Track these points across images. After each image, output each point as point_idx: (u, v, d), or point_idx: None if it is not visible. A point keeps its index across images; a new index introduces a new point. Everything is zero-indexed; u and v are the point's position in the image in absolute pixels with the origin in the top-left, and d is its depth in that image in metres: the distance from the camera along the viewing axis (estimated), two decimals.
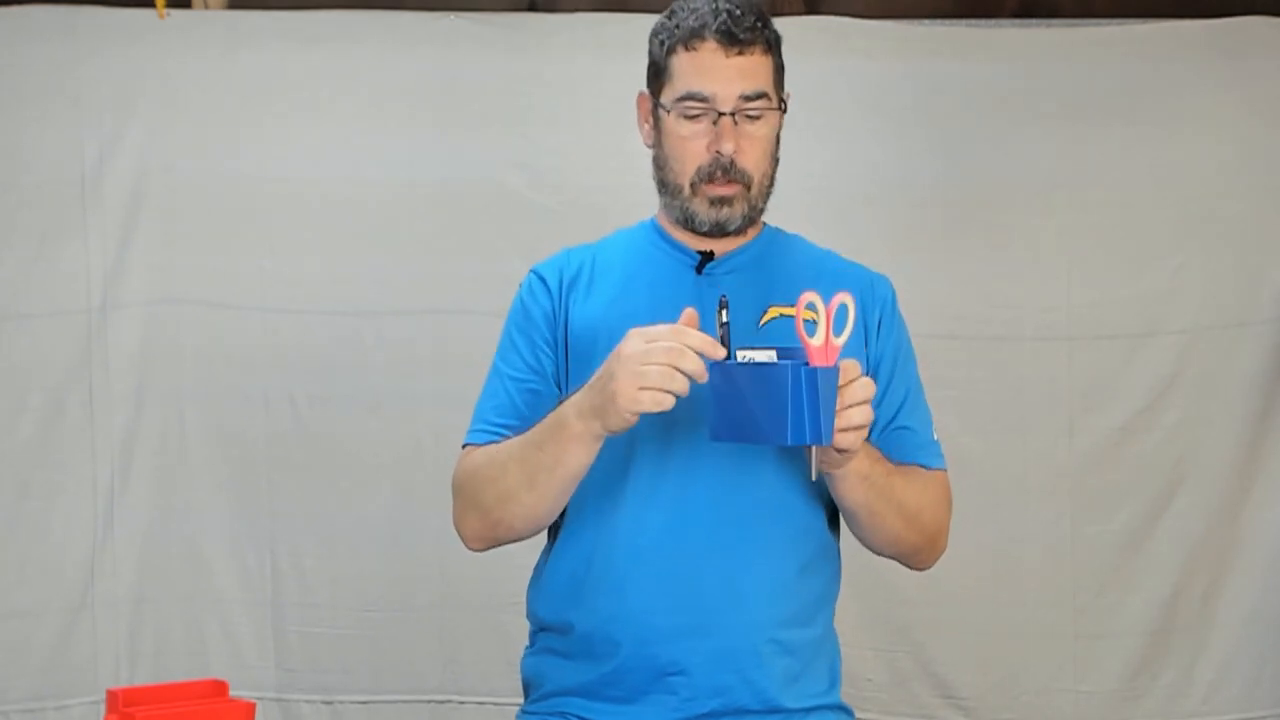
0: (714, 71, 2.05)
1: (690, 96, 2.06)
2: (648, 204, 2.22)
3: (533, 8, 3.98)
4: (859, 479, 1.98)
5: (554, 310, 2.14)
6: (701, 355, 1.85)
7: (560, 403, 2.03)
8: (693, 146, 2.07)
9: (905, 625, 3.63)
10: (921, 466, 2.14)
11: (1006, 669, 3.64)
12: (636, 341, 1.86)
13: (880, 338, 2.16)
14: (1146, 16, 3.75)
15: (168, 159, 3.58)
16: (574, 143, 3.61)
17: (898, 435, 2.14)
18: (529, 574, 2.22)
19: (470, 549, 2.15)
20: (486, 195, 3.61)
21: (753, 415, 1.82)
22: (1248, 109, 3.64)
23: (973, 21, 3.80)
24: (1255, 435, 3.63)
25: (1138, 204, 3.64)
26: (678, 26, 2.08)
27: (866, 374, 2.12)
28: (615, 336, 2.08)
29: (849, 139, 3.62)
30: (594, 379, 1.92)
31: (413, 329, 3.61)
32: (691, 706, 2.04)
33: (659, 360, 1.84)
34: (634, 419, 1.88)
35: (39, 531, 3.55)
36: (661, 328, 1.87)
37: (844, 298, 1.83)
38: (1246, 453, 3.63)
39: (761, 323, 2.10)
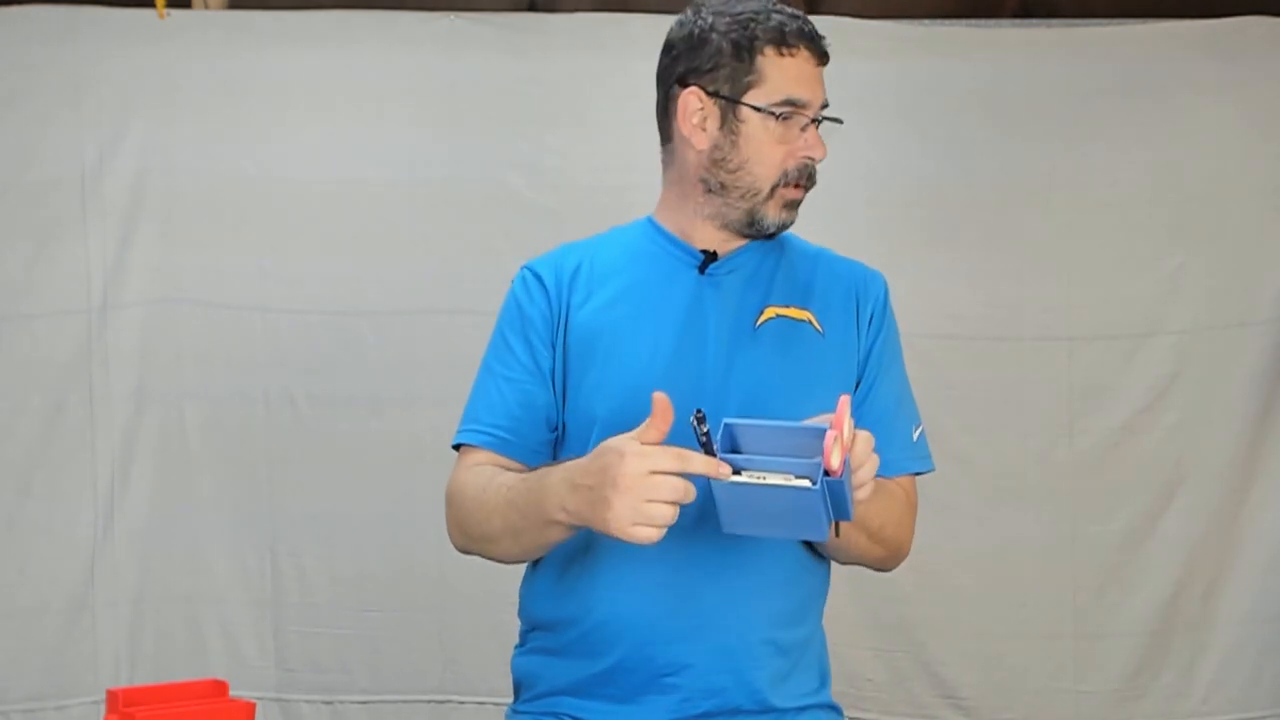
0: (810, 79, 2.08)
1: (791, 102, 2.07)
2: (648, 204, 2.22)
3: (533, 8, 3.98)
4: None
5: (551, 309, 2.12)
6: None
7: (549, 464, 2.00)
8: (782, 151, 2.08)
9: (905, 625, 3.63)
10: (889, 475, 2.12)
11: (1006, 669, 3.65)
12: (637, 467, 1.75)
13: (870, 334, 2.16)
14: (1146, 16, 3.76)
15: (168, 159, 3.58)
16: (574, 143, 3.62)
17: (880, 439, 2.13)
18: None
19: (460, 553, 2.15)
20: (486, 195, 3.61)
21: (776, 519, 1.81)
22: (1247, 109, 3.65)
23: (973, 21, 3.81)
24: (1255, 435, 3.63)
25: (1137, 204, 3.65)
26: (758, 26, 2.06)
27: (855, 371, 2.14)
28: (616, 338, 2.07)
29: (848, 139, 3.57)
30: (580, 479, 1.82)
31: (413, 329, 3.61)
32: (687, 707, 2.04)
33: (665, 497, 1.75)
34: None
35: (39, 531, 3.55)
36: (664, 454, 1.75)
37: (844, 403, 1.79)
38: (1246, 453, 3.63)
39: (758, 323, 2.10)
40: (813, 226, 2.30)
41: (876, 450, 2.09)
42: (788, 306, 2.12)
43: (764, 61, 2.06)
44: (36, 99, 3.55)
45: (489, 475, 2.03)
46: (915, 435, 2.18)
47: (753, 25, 2.06)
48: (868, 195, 3.62)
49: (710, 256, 2.13)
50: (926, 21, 3.78)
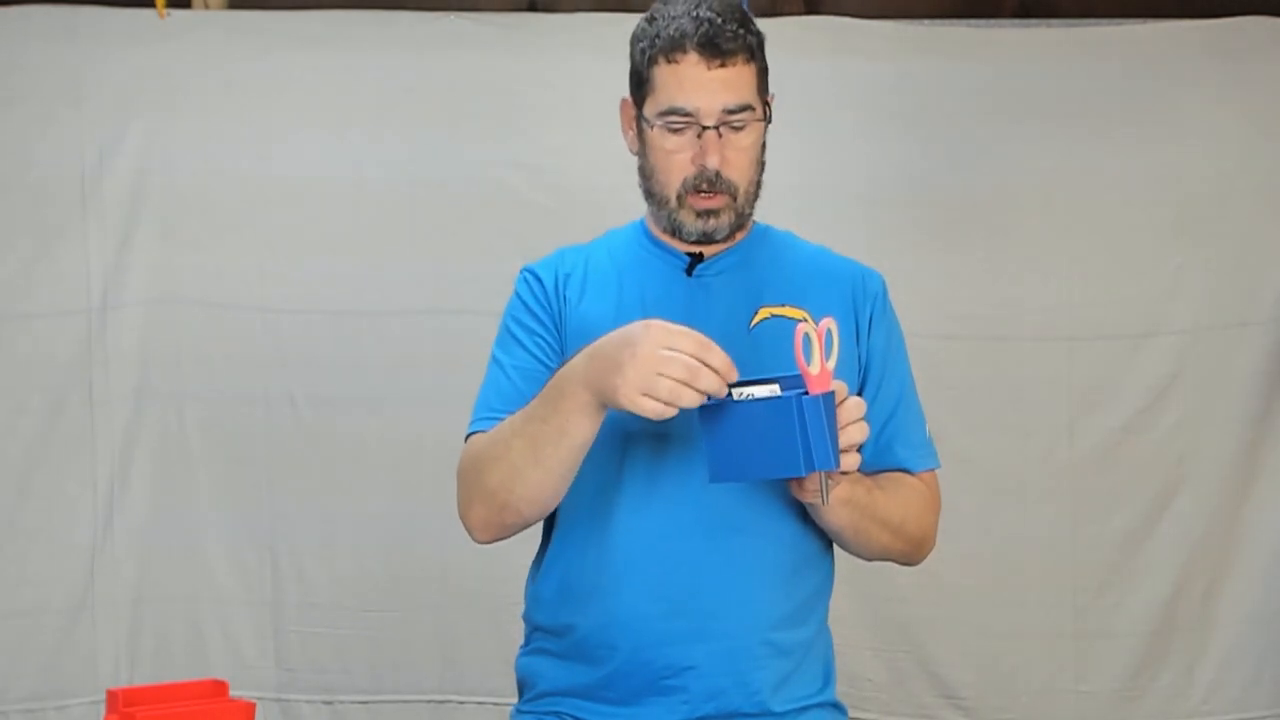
0: (696, 85, 2.02)
1: (673, 111, 2.04)
2: (646, 204, 2.22)
3: (533, 8, 3.99)
4: (841, 504, 1.98)
5: (551, 309, 2.13)
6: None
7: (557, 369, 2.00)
8: (678, 160, 2.06)
9: (905, 625, 3.63)
10: (908, 472, 2.14)
11: (1006, 669, 3.64)
12: (657, 340, 1.81)
13: (871, 334, 2.15)
14: (1146, 16, 3.76)
15: (168, 159, 3.58)
16: (574, 143, 3.61)
17: (890, 438, 2.13)
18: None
19: (477, 540, 2.10)
20: (486, 195, 3.61)
21: (757, 451, 1.81)
22: (1247, 109, 3.65)
23: (973, 21, 3.81)
24: (1255, 435, 3.63)
25: (1138, 204, 3.65)
26: (658, 35, 2.05)
27: (859, 372, 2.13)
28: None
29: (848, 139, 3.62)
30: (598, 350, 1.87)
31: (413, 329, 3.61)
32: (688, 710, 2.04)
33: (675, 375, 1.79)
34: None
35: (39, 531, 3.55)
36: (686, 336, 1.81)
37: (830, 323, 1.82)
38: (1246, 453, 3.63)
39: (753, 324, 2.10)
40: (813, 226, 2.31)
41: (892, 448, 2.11)
42: (782, 306, 2.11)
43: (655, 71, 2.06)
44: (36, 99, 3.55)
45: (500, 424, 2.04)
46: (926, 433, 2.18)
47: (655, 33, 2.05)
48: (867, 195, 3.62)
49: (697, 258, 2.12)
50: (926, 21, 3.78)
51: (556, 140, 3.62)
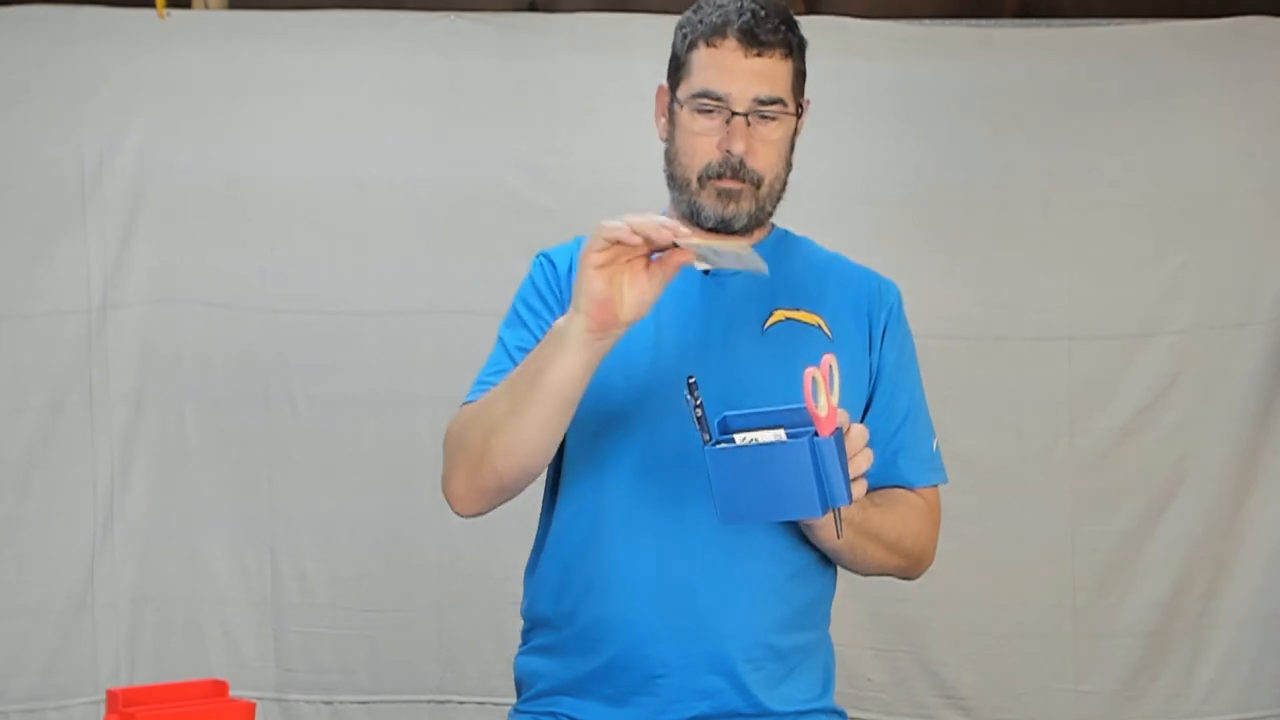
0: (731, 70, 2.05)
1: (705, 94, 2.06)
2: (648, 203, 2.21)
3: (533, 8, 3.99)
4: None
5: (562, 295, 2.12)
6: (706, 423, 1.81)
7: None
8: (703, 143, 2.07)
9: (905, 625, 3.63)
10: (907, 488, 2.13)
11: (1006, 669, 3.64)
12: (593, 236, 1.85)
13: (884, 345, 2.15)
14: (1146, 16, 3.76)
15: (168, 159, 3.58)
16: (574, 143, 3.62)
17: (894, 451, 2.13)
18: None
19: (458, 512, 2.05)
20: (486, 195, 3.62)
21: (769, 493, 1.80)
22: (1248, 109, 3.64)
23: (973, 21, 3.81)
24: (1255, 435, 3.63)
25: (1138, 204, 3.65)
26: (701, 21, 2.07)
27: (868, 382, 2.13)
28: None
29: (849, 139, 3.62)
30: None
31: (413, 329, 3.61)
32: (679, 709, 2.03)
33: (605, 234, 1.82)
34: (601, 287, 1.83)
35: (39, 531, 3.55)
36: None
37: (830, 359, 1.80)
38: (1246, 453, 3.63)
39: (766, 325, 2.09)
40: (813, 226, 2.30)
41: (896, 462, 2.11)
42: (797, 310, 2.11)
43: (694, 54, 2.08)
44: (36, 99, 3.55)
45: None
46: (933, 447, 2.17)
47: (699, 19, 2.08)
48: (867, 195, 3.62)
49: None
50: (926, 21, 3.79)
51: (556, 140, 3.62)
